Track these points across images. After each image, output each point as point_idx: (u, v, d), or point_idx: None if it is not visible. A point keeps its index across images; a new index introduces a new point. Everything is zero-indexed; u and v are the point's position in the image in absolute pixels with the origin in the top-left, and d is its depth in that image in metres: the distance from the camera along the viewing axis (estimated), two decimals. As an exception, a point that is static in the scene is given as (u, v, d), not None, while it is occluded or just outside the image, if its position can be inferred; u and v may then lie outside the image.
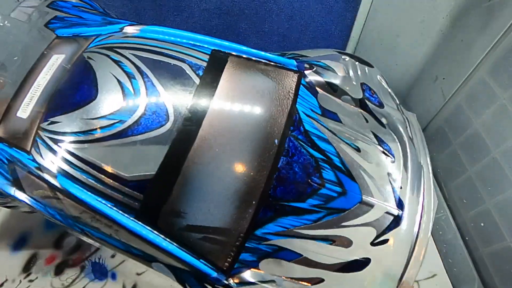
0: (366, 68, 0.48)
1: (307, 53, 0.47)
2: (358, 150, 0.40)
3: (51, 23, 0.53)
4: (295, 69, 0.43)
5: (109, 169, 0.36)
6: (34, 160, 0.38)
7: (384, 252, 0.36)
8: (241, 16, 0.82)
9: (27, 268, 0.60)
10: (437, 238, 0.68)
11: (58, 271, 0.60)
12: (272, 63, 0.43)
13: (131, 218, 0.35)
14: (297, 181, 0.37)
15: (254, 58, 0.43)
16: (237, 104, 0.39)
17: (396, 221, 0.37)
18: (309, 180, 0.37)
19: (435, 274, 0.62)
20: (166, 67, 0.41)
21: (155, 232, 0.35)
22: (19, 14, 0.55)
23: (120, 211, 0.35)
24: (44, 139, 0.39)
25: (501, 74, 0.56)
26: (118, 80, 0.40)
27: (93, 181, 0.36)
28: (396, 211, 0.38)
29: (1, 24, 0.53)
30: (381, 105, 0.46)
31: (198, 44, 0.44)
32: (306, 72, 0.43)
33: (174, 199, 0.35)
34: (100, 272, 0.60)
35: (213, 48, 0.44)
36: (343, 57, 0.47)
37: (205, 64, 0.41)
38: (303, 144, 0.38)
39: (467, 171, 0.64)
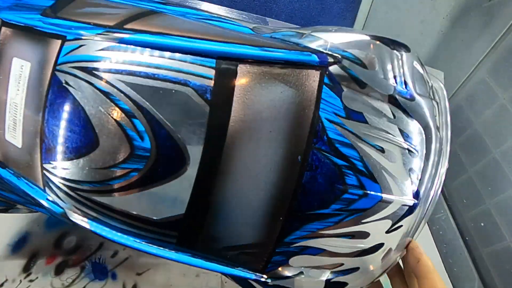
0: (403, 54, 0.42)
1: (331, 36, 0.40)
2: (382, 151, 0.39)
3: None
4: (316, 65, 0.37)
5: (137, 215, 0.36)
6: (54, 203, 0.36)
7: (396, 235, 0.39)
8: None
9: (27, 268, 0.60)
10: (437, 238, 0.68)
11: (58, 271, 0.60)
12: (289, 64, 0.37)
13: (171, 251, 0.36)
14: (321, 191, 0.37)
15: (267, 61, 0.37)
16: (255, 128, 0.36)
17: (411, 209, 0.38)
18: (333, 188, 0.37)
19: (435, 274, 0.62)
20: (168, 96, 0.35)
21: (195, 257, 0.37)
22: None
23: (159, 247, 0.36)
24: (57, 184, 0.36)
25: (501, 74, 0.56)
26: (116, 121, 0.34)
27: (124, 226, 0.36)
28: (411, 202, 0.39)
29: None
30: (412, 99, 0.42)
31: (199, 53, 0.36)
32: (330, 67, 0.38)
33: (207, 229, 0.36)
34: (100, 272, 0.60)
35: (218, 56, 0.36)
36: (376, 43, 0.41)
37: (212, 83, 0.35)
38: (327, 154, 0.37)
39: (467, 171, 0.64)
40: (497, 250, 0.56)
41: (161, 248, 0.36)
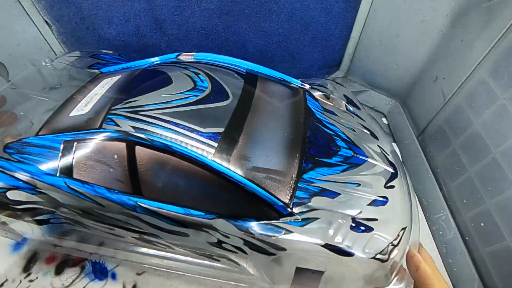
0: (342, 87, 0.71)
1: (306, 80, 0.69)
2: (354, 130, 0.59)
3: (94, 66, 0.65)
4: (300, 86, 0.65)
5: (188, 124, 0.44)
6: (105, 130, 0.43)
7: (395, 193, 0.51)
8: (241, 16, 0.82)
9: (27, 268, 0.60)
10: (437, 238, 0.68)
11: (58, 271, 0.60)
12: (287, 81, 0.65)
13: (209, 158, 0.42)
14: (322, 145, 0.52)
15: (273, 79, 0.64)
16: (271, 96, 0.57)
17: (394, 175, 0.54)
18: (330, 146, 0.53)
19: (435, 274, 0.62)
20: (221, 71, 0.57)
21: (230, 170, 0.43)
22: (61, 61, 0.66)
23: (198, 155, 0.42)
24: (120, 114, 0.45)
25: (501, 74, 0.56)
26: (187, 75, 0.53)
27: (173, 134, 0.43)
28: (391, 169, 0.54)
29: (47, 65, 0.63)
30: (358, 108, 0.67)
31: (237, 64, 0.62)
32: (307, 87, 0.66)
33: (241, 147, 0.45)
34: (100, 272, 0.60)
35: (247, 68, 0.62)
36: (328, 81, 0.72)
37: (244, 74, 0.60)
38: (319, 125, 0.56)
39: (467, 171, 0.64)
40: (497, 250, 0.56)
41: (203, 155, 0.42)
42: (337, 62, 0.99)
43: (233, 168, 0.43)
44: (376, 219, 0.46)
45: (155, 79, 0.53)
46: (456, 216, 0.67)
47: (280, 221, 0.44)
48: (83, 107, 0.48)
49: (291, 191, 0.45)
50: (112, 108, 0.45)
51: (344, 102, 0.65)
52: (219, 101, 0.49)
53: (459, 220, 0.66)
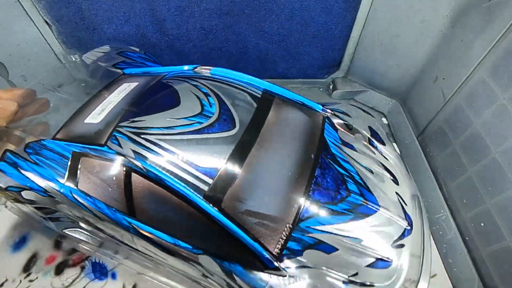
0: (369, 116, 0.64)
1: (328, 104, 0.62)
2: (371, 172, 0.51)
3: (119, 64, 0.64)
4: (321, 111, 0.58)
5: (185, 156, 0.42)
6: (110, 149, 0.43)
7: (403, 254, 0.44)
8: (241, 16, 0.82)
9: (27, 268, 0.60)
10: (437, 238, 0.68)
11: (58, 271, 0.60)
12: (306, 105, 0.57)
13: (200, 197, 0.40)
14: (329, 188, 0.46)
15: (294, 100, 0.57)
16: (283, 124, 0.50)
17: (408, 231, 0.46)
18: (339, 189, 0.46)
19: (435, 274, 0.62)
20: (233, 93, 0.52)
21: (220, 213, 0.40)
22: (90, 56, 0.67)
23: (191, 191, 0.40)
24: (125, 133, 0.44)
25: (501, 74, 0.56)
26: (196, 96, 0.50)
27: (169, 164, 0.41)
28: (405, 224, 0.46)
29: (76, 60, 0.65)
30: (383, 143, 0.59)
31: (253, 84, 0.57)
32: (328, 114, 0.58)
33: (237, 186, 0.41)
34: (100, 272, 0.60)
35: (264, 88, 0.56)
36: (354, 108, 0.64)
37: (259, 95, 0.54)
38: (331, 162, 0.49)
39: (467, 171, 0.64)
40: (497, 250, 0.56)
41: (194, 192, 0.40)
42: (337, 62, 0.99)
43: (224, 211, 0.40)
44: (373, 285, 0.41)
45: (165, 97, 0.50)
46: (456, 216, 0.67)
47: (265, 273, 0.41)
48: (97, 115, 0.49)
49: (283, 242, 0.41)
50: (119, 124, 0.45)
51: (368, 134, 0.58)
52: (224, 131, 0.45)
53: (459, 220, 0.66)
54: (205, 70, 0.58)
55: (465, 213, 0.64)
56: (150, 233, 0.43)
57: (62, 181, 0.44)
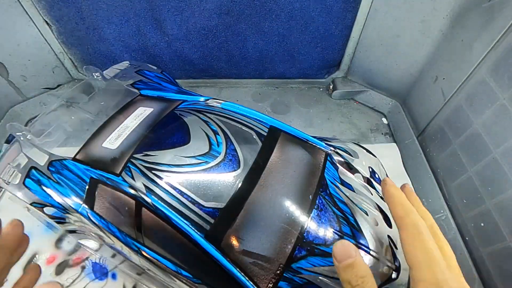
0: (370, 156, 0.63)
1: (331, 139, 0.63)
2: (366, 214, 0.51)
3: (136, 84, 0.67)
4: (324, 148, 0.58)
5: (191, 195, 0.45)
6: (124, 181, 0.46)
7: None
8: (241, 16, 0.82)
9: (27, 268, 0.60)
10: (437, 238, 0.68)
11: (58, 271, 0.60)
12: (309, 142, 0.57)
13: (202, 236, 0.42)
14: (324, 229, 0.46)
15: (298, 137, 0.58)
16: (285, 165, 0.52)
17: (394, 277, 0.46)
18: (333, 230, 0.47)
19: (435, 274, 0.62)
20: (241, 131, 0.54)
21: (218, 252, 0.42)
22: (109, 72, 0.69)
23: (195, 230, 0.42)
24: (138, 166, 0.47)
25: (501, 74, 0.56)
26: (206, 134, 0.52)
27: (176, 202, 0.44)
28: (393, 269, 0.47)
29: (98, 77, 0.66)
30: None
31: (261, 120, 0.58)
32: (331, 152, 0.58)
33: (237, 226, 0.43)
34: (101, 272, 0.60)
35: (271, 125, 0.58)
36: (357, 147, 0.63)
37: (265, 134, 0.55)
38: (328, 203, 0.49)
39: (467, 171, 0.64)
40: (497, 250, 0.56)
41: (196, 232, 0.42)
42: (337, 62, 0.99)
43: (223, 250, 0.42)
44: None
45: (176, 132, 0.53)
46: (456, 216, 0.67)
47: None
48: (114, 140, 0.52)
49: (274, 282, 0.42)
50: (133, 156, 0.49)
51: (367, 175, 0.58)
52: (229, 171, 0.48)
53: (459, 220, 0.66)
54: (216, 104, 0.60)
55: (465, 213, 0.64)
56: (156, 259, 0.46)
57: (80, 201, 0.47)
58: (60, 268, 0.60)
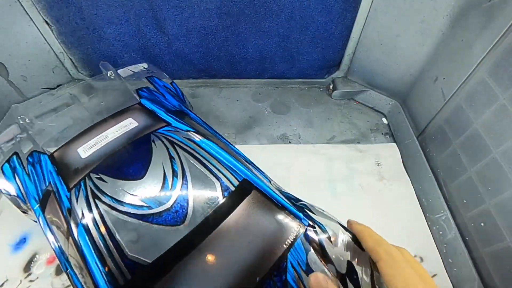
0: (358, 249, 0.48)
1: (316, 210, 0.50)
2: None
3: (142, 90, 0.65)
4: (300, 222, 0.46)
5: (118, 239, 0.40)
6: (69, 200, 0.44)
7: None
8: (241, 16, 0.82)
9: (27, 268, 0.60)
10: (437, 238, 0.68)
11: (59, 271, 0.60)
12: (285, 209, 0.46)
13: None
14: None
15: (273, 199, 0.47)
16: (242, 231, 0.43)
17: None
18: None
19: (435, 274, 0.62)
20: (204, 179, 0.47)
21: None
22: (122, 73, 0.69)
23: (107, 281, 0.37)
24: (87, 188, 0.45)
25: (501, 74, 0.56)
26: (164, 172, 0.47)
27: (101, 242, 0.40)
28: None
29: (111, 77, 0.66)
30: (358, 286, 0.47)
31: (235, 169, 0.50)
32: (308, 228, 0.46)
33: None
34: (100, 272, 0.60)
35: (244, 177, 0.49)
36: (341, 230, 0.48)
37: (233, 188, 0.47)
38: None
39: (467, 171, 0.64)
40: (497, 250, 0.56)
41: (107, 283, 0.37)
42: (337, 62, 0.99)
43: None
44: None
45: (136, 162, 0.48)
46: (456, 216, 0.67)
47: None
48: (88, 148, 0.50)
49: None
50: (90, 175, 0.46)
51: (343, 270, 0.45)
52: (170, 224, 0.41)
53: (459, 220, 0.66)
54: (196, 138, 0.54)
55: (465, 213, 0.64)
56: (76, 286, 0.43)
57: (37, 201, 0.47)
58: (60, 268, 0.60)
